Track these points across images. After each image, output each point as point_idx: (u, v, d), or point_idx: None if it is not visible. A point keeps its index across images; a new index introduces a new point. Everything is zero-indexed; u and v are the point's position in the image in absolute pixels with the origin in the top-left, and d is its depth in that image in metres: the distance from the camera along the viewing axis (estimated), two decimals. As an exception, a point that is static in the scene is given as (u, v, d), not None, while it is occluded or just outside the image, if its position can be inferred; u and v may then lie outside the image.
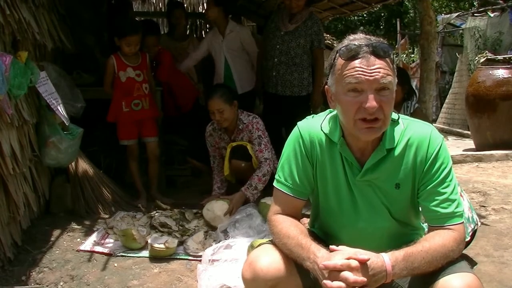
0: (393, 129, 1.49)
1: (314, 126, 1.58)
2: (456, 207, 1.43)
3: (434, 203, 1.44)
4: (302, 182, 1.58)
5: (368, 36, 1.42)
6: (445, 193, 1.43)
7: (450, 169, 1.47)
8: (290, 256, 1.47)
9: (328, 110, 1.62)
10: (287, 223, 1.54)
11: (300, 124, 1.62)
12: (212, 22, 4.39)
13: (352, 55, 1.37)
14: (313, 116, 1.64)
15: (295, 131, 1.62)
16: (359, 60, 1.36)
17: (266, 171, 3.36)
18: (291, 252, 1.46)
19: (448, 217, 1.43)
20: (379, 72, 1.35)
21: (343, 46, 1.41)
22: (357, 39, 1.41)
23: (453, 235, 1.40)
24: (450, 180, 1.45)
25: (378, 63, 1.36)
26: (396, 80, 1.43)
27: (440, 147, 1.46)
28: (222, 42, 4.25)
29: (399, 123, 1.51)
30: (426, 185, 1.46)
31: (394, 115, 1.51)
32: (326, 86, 1.52)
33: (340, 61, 1.41)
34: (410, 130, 1.49)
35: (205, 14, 4.41)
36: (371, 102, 1.35)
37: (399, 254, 1.35)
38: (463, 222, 1.44)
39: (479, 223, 2.60)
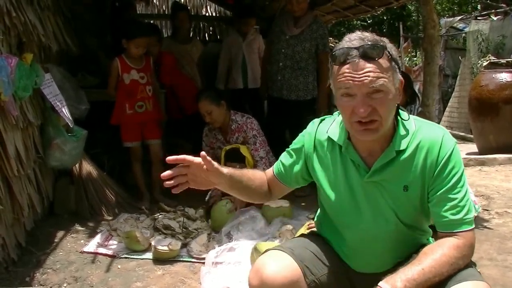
0: (404, 130, 1.46)
1: (323, 128, 1.59)
2: (466, 214, 1.39)
3: (444, 208, 1.40)
4: (287, 171, 1.66)
5: (364, 35, 1.39)
6: (455, 199, 1.40)
7: (462, 174, 1.42)
8: None
9: (336, 113, 1.62)
10: (256, 172, 1.74)
11: (313, 122, 1.64)
12: (243, 27, 4.84)
13: (342, 60, 1.36)
14: (324, 119, 1.64)
15: (310, 126, 1.65)
16: (348, 65, 1.35)
17: (262, 170, 3.39)
18: None
19: (457, 224, 1.39)
20: (368, 76, 1.33)
21: (335, 51, 1.40)
22: (352, 40, 1.38)
23: (456, 242, 1.37)
24: (462, 186, 1.41)
25: (367, 66, 1.33)
26: (399, 78, 1.40)
27: (452, 151, 1.42)
28: (242, 43, 4.78)
29: (410, 124, 1.48)
30: (436, 190, 1.42)
31: (405, 116, 1.48)
32: (329, 86, 1.52)
33: (334, 66, 1.40)
34: (421, 132, 1.46)
35: (242, 24, 4.83)
36: (361, 108, 1.34)
37: (400, 278, 1.30)
38: (472, 229, 1.41)
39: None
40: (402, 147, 1.44)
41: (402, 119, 1.47)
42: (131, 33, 3.61)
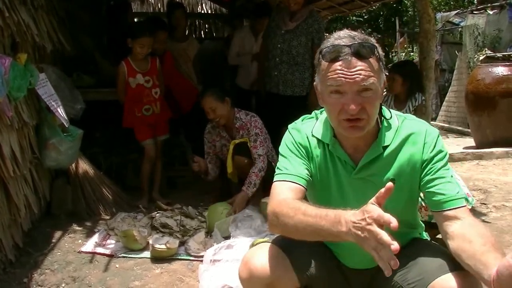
0: (388, 126, 1.49)
1: (305, 129, 1.58)
2: (459, 191, 1.43)
3: (439, 186, 1.42)
4: (297, 168, 1.51)
5: (353, 33, 1.39)
6: (445, 176, 1.43)
7: (447, 161, 1.47)
8: (309, 230, 1.33)
9: (314, 113, 1.61)
10: (293, 202, 1.41)
11: (291, 126, 1.61)
12: (258, 26, 4.84)
13: (333, 57, 1.37)
14: (302, 119, 1.63)
15: (286, 134, 1.60)
16: (340, 62, 1.35)
17: (261, 167, 3.44)
18: (311, 226, 1.33)
19: (453, 199, 1.40)
20: (359, 74, 1.34)
21: (326, 47, 1.40)
22: (341, 37, 1.39)
23: (473, 220, 1.38)
24: (448, 169, 1.46)
25: (359, 65, 1.34)
26: (384, 79, 1.42)
27: (437, 138, 1.47)
28: (254, 42, 4.83)
29: (393, 120, 1.51)
30: (428, 174, 1.45)
31: (387, 113, 1.51)
32: (314, 83, 1.51)
33: (323, 62, 1.40)
34: (405, 126, 1.50)
35: (258, 24, 4.84)
36: (352, 105, 1.35)
37: None
38: (466, 206, 1.42)
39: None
40: (388, 142, 1.47)
41: (384, 116, 1.50)
42: (136, 32, 3.64)
